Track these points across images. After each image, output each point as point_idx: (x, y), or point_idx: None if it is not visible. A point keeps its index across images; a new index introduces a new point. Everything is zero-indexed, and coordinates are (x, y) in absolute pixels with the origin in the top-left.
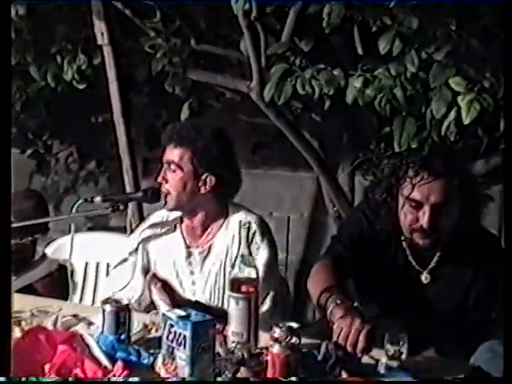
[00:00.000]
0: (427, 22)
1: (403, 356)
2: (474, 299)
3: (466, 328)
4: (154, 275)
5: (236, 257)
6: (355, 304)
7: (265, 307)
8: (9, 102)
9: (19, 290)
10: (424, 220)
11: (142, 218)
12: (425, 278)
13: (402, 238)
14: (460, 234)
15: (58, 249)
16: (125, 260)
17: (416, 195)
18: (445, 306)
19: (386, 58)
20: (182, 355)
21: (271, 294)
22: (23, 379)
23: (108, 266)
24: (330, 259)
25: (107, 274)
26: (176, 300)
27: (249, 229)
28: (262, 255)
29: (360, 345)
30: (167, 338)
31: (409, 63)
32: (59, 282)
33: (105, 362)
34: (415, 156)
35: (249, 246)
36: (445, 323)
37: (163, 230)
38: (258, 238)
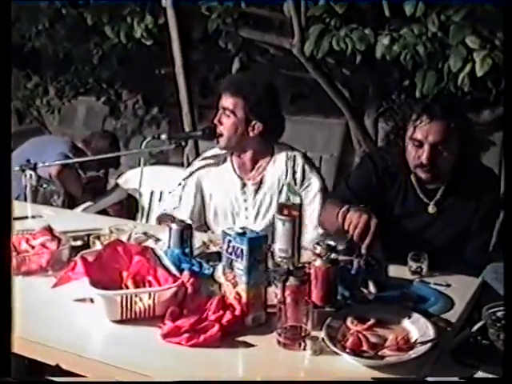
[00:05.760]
0: None
1: (424, 271)
2: (476, 226)
3: (472, 251)
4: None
5: (283, 185)
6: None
7: None
8: (8, 100)
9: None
10: (423, 157)
11: (197, 155)
12: (431, 208)
13: (411, 175)
14: (461, 170)
15: (127, 180)
16: (179, 185)
17: (417, 135)
18: (451, 232)
19: (410, 19)
20: (240, 266)
21: None
22: None
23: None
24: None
25: None
26: None
27: (294, 161)
28: (315, 184)
29: (367, 240)
30: (227, 251)
31: (430, 24)
32: (128, 207)
33: (174, 271)
34: (419, 103)
35: (301, 179)
36: (452, 247)
37: (214, 161)
38: (307, 171)
